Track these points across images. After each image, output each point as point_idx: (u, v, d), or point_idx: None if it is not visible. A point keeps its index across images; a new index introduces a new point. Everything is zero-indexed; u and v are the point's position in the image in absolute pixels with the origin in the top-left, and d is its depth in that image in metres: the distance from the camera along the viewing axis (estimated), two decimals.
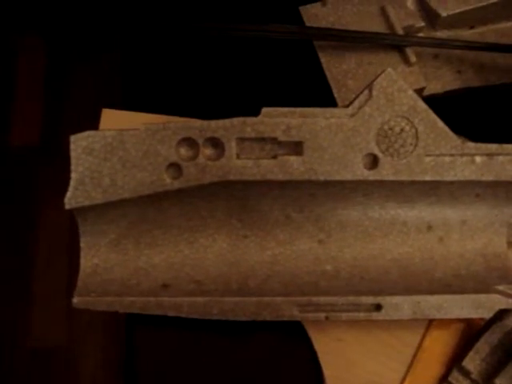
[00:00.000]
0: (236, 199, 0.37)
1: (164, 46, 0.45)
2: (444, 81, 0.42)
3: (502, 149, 0.36)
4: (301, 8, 0.42)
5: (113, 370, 0.93)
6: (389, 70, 0.35)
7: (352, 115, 0.35)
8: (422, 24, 0.41)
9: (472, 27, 0.44)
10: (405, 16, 0.41)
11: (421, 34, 0.42)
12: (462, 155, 0.35)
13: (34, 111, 1.08)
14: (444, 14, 0.41)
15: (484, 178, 0.36)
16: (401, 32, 0.40)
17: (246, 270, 0.38)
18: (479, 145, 0.36)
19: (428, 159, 0.35)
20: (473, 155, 0.36)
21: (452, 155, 0.35)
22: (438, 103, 0.39)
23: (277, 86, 0.44)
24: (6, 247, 1.02)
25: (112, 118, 0.41)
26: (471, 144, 0.35)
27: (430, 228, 0.39)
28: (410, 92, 0.35)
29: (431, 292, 0.37)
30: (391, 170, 0.35)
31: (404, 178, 0.35)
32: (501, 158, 0.36)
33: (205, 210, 0.37)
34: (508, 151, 0.36)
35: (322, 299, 0.36)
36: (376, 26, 0.41)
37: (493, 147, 0.36)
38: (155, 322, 0.38)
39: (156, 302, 0.36)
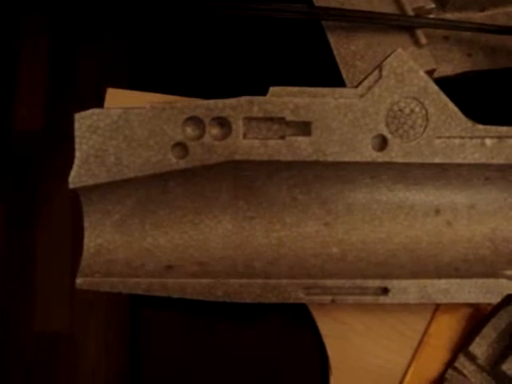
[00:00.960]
0: (242, 180, 0.36)
1: (171, 25, 0.45)
2: (454, 63, 0.42)
3: None
4: None
5: (115, 352, 0.93)
6: (399, 50, 0.34)
7: (361, 95, 0.34)
8: (432, 5, 0.41)
9: (483, 10, 0.43)
10: None
11: (431, 16, 0.42)
12: (472, 138, 0.35)
13: (38, 95, 1.08)
14: None
15: (494, 161, 0.35)
16: (411, 13, 0.40)
17: (251, 252, 0.37)
18: (489, 127, 0.35)
19: (438, 141, 0.35)
20: (483, 138, 0.35)
21: (462, 137, 0.35)
22: (448, 85, 0.39)
23: (285, 66, 0.43)
24: (10, 232, 1.02)
25: (117, 98, 0.41)
26: (481, 126, 0.35)
27: (438, 212, 0.38)
28: (421, 73, 0.34)
29: (438, 276, 0.36)
30: (400, 151, 0.35)
31: (413, 160, 0.35)
32: (511, 140, 0.35)
33: (210, 191, 0.37)
34: None
35: (329, 282, 0.36)
36: (386, 6, 0.40)
37: (503, 130, 0.35)
38: (160, 304, 0.37)
39: (160, 283, 0.35)
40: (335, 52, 0.39)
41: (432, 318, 0.39)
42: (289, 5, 0.39)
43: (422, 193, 0.38)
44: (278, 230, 0.38)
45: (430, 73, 0.39)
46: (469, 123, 0.35)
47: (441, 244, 0.38)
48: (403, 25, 0.39)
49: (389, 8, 0.40)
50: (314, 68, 0.42)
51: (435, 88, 0.34)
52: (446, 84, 0.39)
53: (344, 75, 0.39)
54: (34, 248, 1.01)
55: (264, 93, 0.34)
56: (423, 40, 0.39)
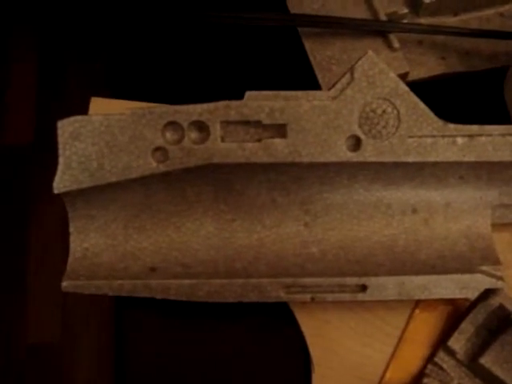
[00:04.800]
0: (222, 183, 0.37)
1: (151, 34, 0.46)
2: (428, 66, 0.43)
3: (482, 130, 0.36)
4: None
5: (109, 362, 0.93)
6: (370, 52, 0.36)
7: (334, 98, 0.35)
8: (406, 11, 0.42)
9: (456, 14, 0.44)
10: (388, 3, 0.42)
11: (405, 21, 0.43)
12: (443, 136, 0.36)
13: (28, 110, 1.09)
14: (427, 0, 0.42)
15: (466, 159, 0.36)
16: (384, 18, 0.41)
17: (232, 252, 0.38)
18: (460, 126, 0.36)
19: (410, 140, 0.36)
20: (454, 136, 0.36)
21: (434, 136, 0.36)
22: (423, 88, 0.40)
23: (263, 73, 0.44)
24: (0, 244, 1.02)
25: (101, 106, 0.42)
26: (452, 125, 0.36)
27: (414, 210, 0.39)
28: (392, 74, 0.35)
29: (416, 273, 0.37)
30: (374, 151, 0.36)
31: (387, 159, 0.36)
32: (482, 138, 0.36)
33: (191, 195, 0.38)
34: (489, 132, 0.36)
35: (308, 280, 0.36)
36: (360, 12, 0.41)
37: (474, 128, 0.36)
38: (144, 305, 0.38)
39: (144, 285, 0.36)
40: (311, 57, 0.40)
41: (411, 315, 0.40)
42: (265, 13, 0.40)
43: (398, 192, 0.39)
44: (259, 231, 0.39)
45: (403, 76, 0.41)
46: (440, 122, 0.36)
47: (418, 242, 0.39)
48: (376, 30, 0.40)
49: (363, 13, 0.42)
50: (290, 73, 0.43)
51: (405, 89, 0.35)
52: (420, 86, 0.40)
53: (320, 79, 0.40)
54: (24, 261, 1.02)
55: (242, 97, 0.35)
56: (396, 44, 0.40)
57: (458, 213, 0.39)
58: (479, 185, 0.39)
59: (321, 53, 0.40)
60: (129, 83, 0.45)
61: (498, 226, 0.41)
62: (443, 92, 0.45)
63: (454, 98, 0.45)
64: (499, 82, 0.43)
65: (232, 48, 0.45)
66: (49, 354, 0.95)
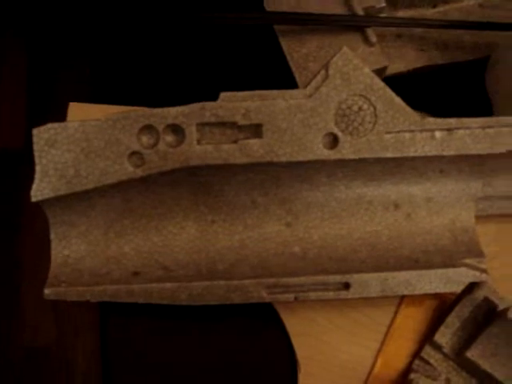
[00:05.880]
0: (201, 185, 0.37)
1: (130, 37, 0.46)
2: (408, 59, 0.43)
3: (461, 123, 0.36)
4: None
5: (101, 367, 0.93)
6: (344, 49, 0.35)
7: (309, 96, 0.35)
8: (383, 4, 0.42)
9: (434, 6, 0.44)
10: None
11: (383, 15, 0.42)
12: (421, 131, 0.36)
13: (18, 115, 1.09)
14: None
15: (445, 153, 0.36)
16: (361, 13, 0.41)
17: (214, 254, 0.38)
18: (438, 120, 0.36)
19: (388, 136, 0.36)
20: (433, 130, 0.36)
21: (412, 131, 0.36)
22: (403, 81, 0.40)
23: (241, 74, 0.44)
24: None
25: (79, 112, 0.41)
26: (430, 119, 0.36)
27: (396, 206, 0.39)
28: (366, 70, 0.35)
29: (399, 269, 0.37)
30: (351, 148, 0.35)
31: (365, 155, 0.36)
32: (460, 131, 0.36)
33: (170, 198, 0.37)
34: (467, 125, 0.36)
35: (291, 280, 0.36)
36: (336, 8, 0.41)
37: (452, 122, 0.36)
38: (129, 309, 0.38)
39: (126, 290, 0.36)
40: (288, 55, 0.40)
41: (397, 311, 0.39)
42: (242, 13, 0.40)
43: (379, 188, 0.39)
44: (240, 232, 0.38)
45: (382, 70, 0.40)
46: (417, 117, 0.36)
47: (400, 237, 0.39)
48: (353, 25, 0.40)
49: (340, 9, 0.41)
50: (268, 72, 0.43)
51: (381, 84, 0.35)
52: (400, 79, 0.40)
53: (297, 77, 0.40)
54: (17, 266, 1.02)
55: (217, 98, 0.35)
56: (373, 38, 0.40)
57: (440, 207, 0.39)
58: (461, 178, 0.38)
59: (298, 50, 0.40)
60: (111, 87, 0.45)
61: (482, 218, 0.40)
62: (425, 84, 0.44)
63: (436, 90, 0.45)
64: (481, 72, 0.43)
65: (210, 49, 0.45)
66: (44, 357, 0.95)
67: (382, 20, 0.41)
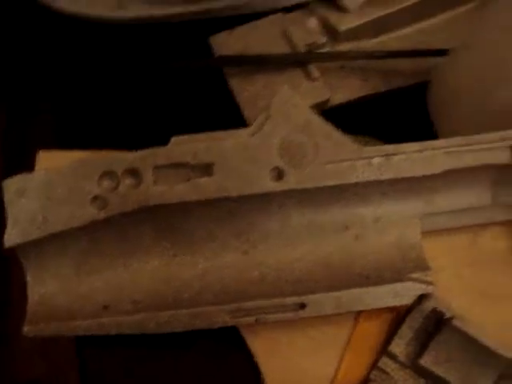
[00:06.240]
0: (161, 222, 0.40)
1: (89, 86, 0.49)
2: (351, 89, 0.45)
3: (398, 149, 0.39)
4: (210, 38, 0.45)
5: None
6: (285, 88, 0.38)
7: (253, 134, 0.38)
8: (324, 40, 0.45)
9: (375, 36, 0.47)
10: (306, 34, 0.45)
11: (326, 49, 0.45)
12: (360, 159, 0.39)
13: None
14: (343, 28, 0.45)
15: (383, 177, 0.39)
16: (303, 50, 0.44)
17: (179, 284, 0.41)
18: (376, 147, 0.39)
19: (329, 166, 0.39)
20: (371, 158, 0.39)
21: (350, 160, 0.39)
22: (347, 110, 0.43)
23: (195, 117, 0.47)
24: None
25: (47, 159, 0.44)
26: (368, 148, 0.39)
27: (346, 227, 0.42)
28: (305, 107, 0.38)
29: (352, 286, 0.40)
30: (296, 179, 0.38)
31: (308, 185, 0.39)
32: (397, 157, 0.39)
33: (134, 236, 0.40)
34: (403, 150, 0.39)
35: (250, 304, 0.39)
36: (280, 47, 0.44)
37: (389, 148, 0.39)
38: (103, 342, 0.41)
39: (98, 323, 0.39)
40: (237, 95, 0.43)
41: (354, 326, 0.42)
42: (191, 60, 0.43)
43: (328, 213, 0.42)
44: (202, 263, 0.41)
45: (325, 102, 0.43)
46: (355, 146, 0.39)
47: (352, 257, 0.41)
48: (296, 61, 0.43)
49: (283, 48, 0.44)
50: (219, 114, 0.46)
51: (318, 120, 0.38)
52: (344, 109, 0.43)
53: (246, 116, 0.42)
54: (5, 303, 1.04)
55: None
56: (316, 73, 0.43)
57: (387, 226, 0.42)
58: (403, 198, 0.41)
59: (246, 90, 0.43)
60: (75, 131, 0.48)
61: (428, 234, 0.43)
62: (377, 111, 0.47)
63: (385, 115, 0.48)
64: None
65: (166, 93, 0.48)
66: None
67: (324, 55, 0.44)
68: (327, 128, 0.38)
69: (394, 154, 0.39)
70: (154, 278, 0.41)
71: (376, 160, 0.39)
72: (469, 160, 0.39)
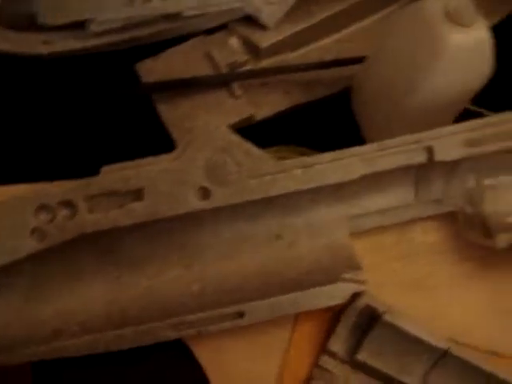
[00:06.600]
0: (101, 246, 0.42)
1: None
2: (273, 104, 0.48)
3: (315, 159, 0.41)
4: (137, 65, 0.47)
5: None
6: (205, 113, 0.41)
7: (178, 158, 0.40)
8: (245, 58, 0.47)
9: (295, 49, 0.49)
10: (228, 54, 0.47)
11: (249, 67, 0.48)
12: (280, 172, 0.41)
13: None
14: (264, 45, 0.47)
15: (305, 187, 0.41)
16: (226, 70, 0.46)
17: (124, 303, 0.43)
18: (294, 160, 0.41)
19: (253, 181, 0.41)
20: (291, 169, 0.41)
21: (272, 174, 0.41)
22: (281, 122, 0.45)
23: (126, 143, 0.49)
24: None
25: None
26: (287, 161, 0.41)
27: (278, 236, 0.44)
28: (224, 128, 0.40)
29: (287, 291, 0.42)
30: (222, 197, 0.41)
31: (235, 201, 0.41)
32: (317, 167, 0.41)
33: (76, 262, 0.43)
34: (320, 160, 0.41)
35: (192, 317, 0.42)
36: (204, 69, 0.46)
37: (307, 160, 0.41)
38: (58, 365, 0.43)
39: (50, 348, 0.41)
40: (164, 119, 0.45)
41: (294, 328, 0.45)
42: (117, 90, 0.45)
43: (260, 224, 0.44)
44: (145, 281, 0.44)
45: (249, 119, 0.45)
46: (273, 161, 0.41)
47: (286, 263, 0.44)
48: (218, 82, 0.45)
49: (206, 69, 0.46)
50: (148, 138, 0.48)
51: (237, 139, 0.40)
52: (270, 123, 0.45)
53: (175, 137, 0.45)
54: None
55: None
56: (238, 92, 0.45)
57: (318, 230, 0.45)
58: (329, 203, 0.44)
59: (173, 112, 0.45)
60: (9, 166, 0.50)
61: (357, 234, 0.45)
62: (312, 122, 0.50)
63: (314, 125, 0.50)
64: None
65: (96, 125, 0.50)
66: None
67: (245, 73, 0.46)
68: (246, 146, 0.40)
69: (313, 165, 0.41)
70: (99, 300, 0.43)
71: (296, 171, 0.41)
72: (384, 164, 0.42)
